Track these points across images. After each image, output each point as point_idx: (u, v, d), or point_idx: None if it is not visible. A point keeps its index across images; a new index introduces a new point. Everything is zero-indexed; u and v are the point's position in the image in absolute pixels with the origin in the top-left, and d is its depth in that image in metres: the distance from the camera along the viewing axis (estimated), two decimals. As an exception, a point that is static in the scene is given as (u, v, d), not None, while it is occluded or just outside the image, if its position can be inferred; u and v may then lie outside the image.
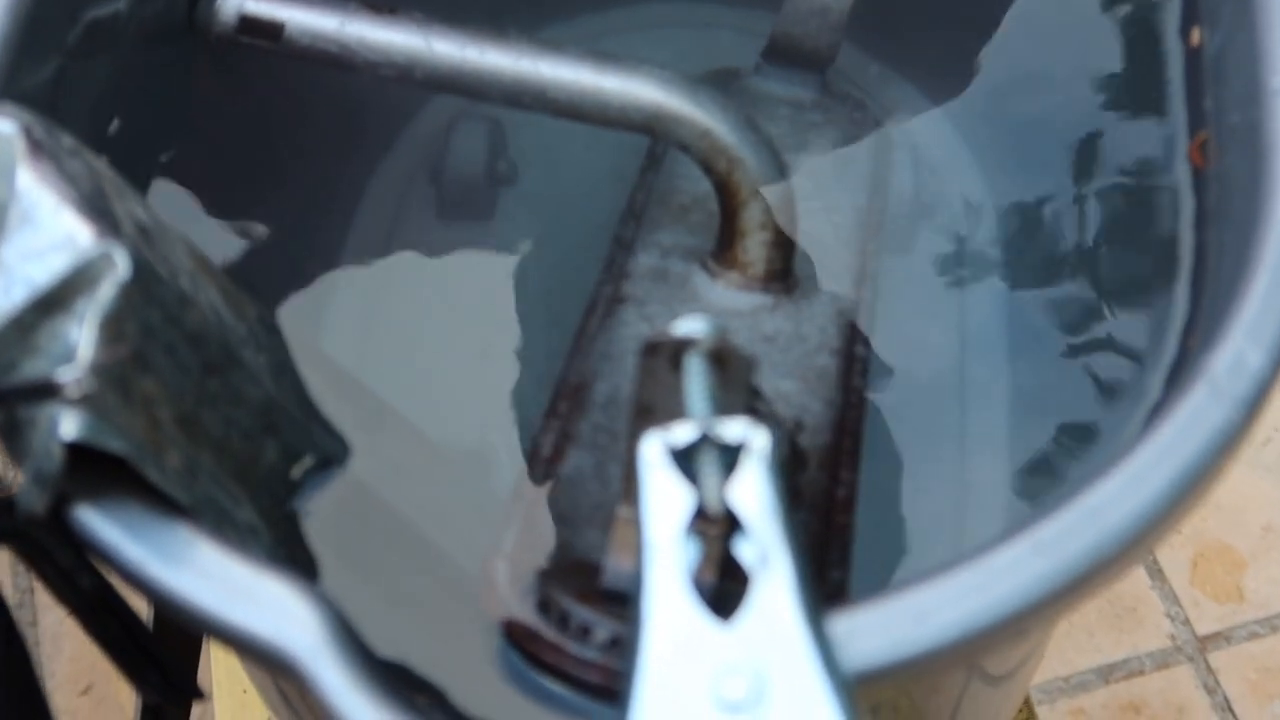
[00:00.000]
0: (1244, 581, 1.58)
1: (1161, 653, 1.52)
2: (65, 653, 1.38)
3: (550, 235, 0.81)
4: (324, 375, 0.70)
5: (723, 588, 0.60)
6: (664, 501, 0.51)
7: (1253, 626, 1.55)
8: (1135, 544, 0.54)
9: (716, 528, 0.52)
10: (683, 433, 0.51)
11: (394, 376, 0.74)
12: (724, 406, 0.54)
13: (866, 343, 0.75)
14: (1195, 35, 0.70)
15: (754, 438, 0.51)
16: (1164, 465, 0.55)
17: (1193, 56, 0.70)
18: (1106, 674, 1.50)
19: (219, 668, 0.95)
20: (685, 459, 0.52)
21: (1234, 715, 1.46)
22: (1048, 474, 0.73)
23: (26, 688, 0.60)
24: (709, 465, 0.51)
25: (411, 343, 0.76)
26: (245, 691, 0.93)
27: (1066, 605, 0.54)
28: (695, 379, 0.54)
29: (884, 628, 0.53)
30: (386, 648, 0.61)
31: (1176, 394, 0.58)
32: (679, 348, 0.56)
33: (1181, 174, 0.68)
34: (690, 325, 0.56)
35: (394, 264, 0.80)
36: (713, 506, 0.50)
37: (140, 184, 0.75)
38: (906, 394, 0.75)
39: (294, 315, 0.72)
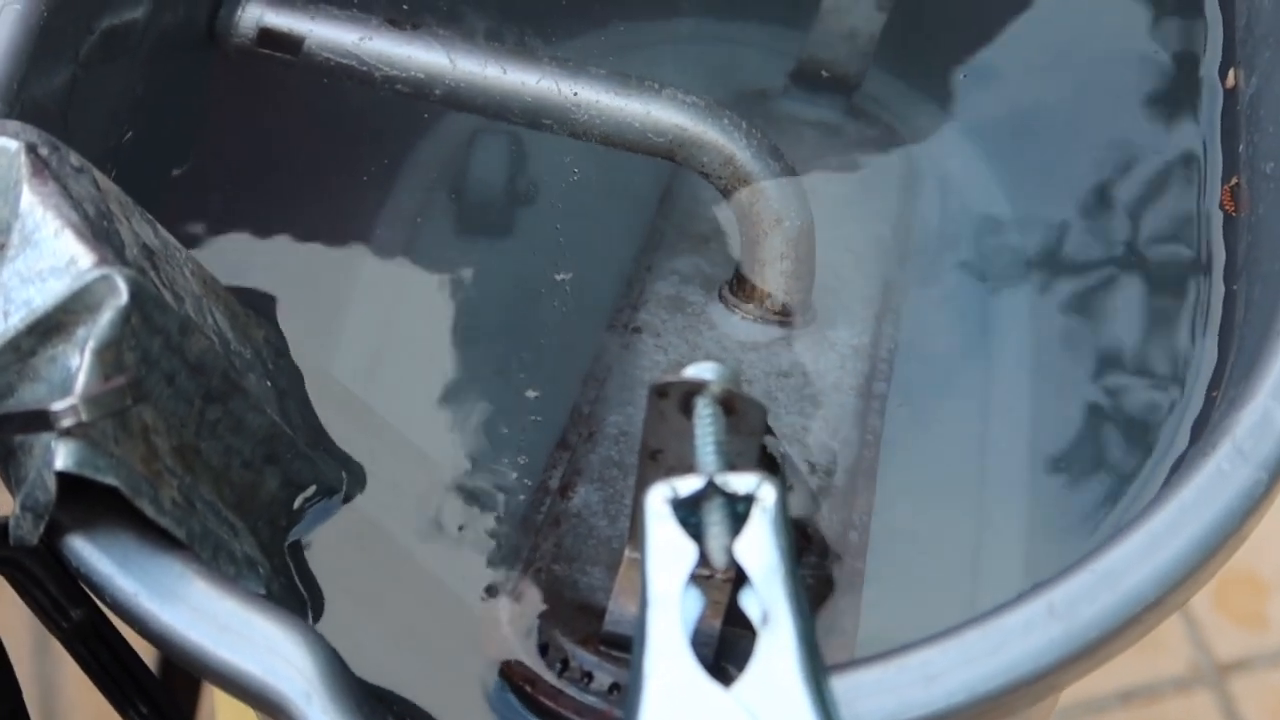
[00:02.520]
0: (1268, 609, 1.56)
1: (1182, 678, 1.50)
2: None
3: (567, 256, 0.80)
4: (331, 399, 0.69)
5: (726, 632, 0.59)
6: (668, 554, 0.49)
7: (1276, 655, 1.53)
8: (1153, 609, 0.53)
9: (723, 576, 0.51)
10: (689, 484, 0.50)
11: (404, 398, 0.73)
12: (733, 454, 0.53)
13: (886, 380, 0.74)
14: (1232, 77, 0.69)
15: (762, 492, 0.50)
16: (1183, 528, 0.54)
17: (1229, 99, 0.68)
18: (1126, 698, 1.49)
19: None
20: (691, 509, 0.50)
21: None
22: (1068, 520, 0.71)
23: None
24: (715, 518, 0.50)
25: (424, 363, 0.75)
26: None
27: (1081, 670, 0.52)
28: (704, 425, 0.53)
29: (891, 689, 0.52)
30: (381, 682, 0.60)
31: (1198, 453, 0.56)
32: (689, 391, 0.54)
33: (1213, 220, 0.66)
34: (701, 369, 0.54)
35: (409, 282, 0.78)
36: (717, 562, 0.49)
37: (152, 197, 0.73)
38: (924, 432, 0.74)
39: (305, 334, 0.71)
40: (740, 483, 0.50)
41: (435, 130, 0.84)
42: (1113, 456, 0.70)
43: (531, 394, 0.72)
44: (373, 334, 0.76)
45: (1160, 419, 0.67)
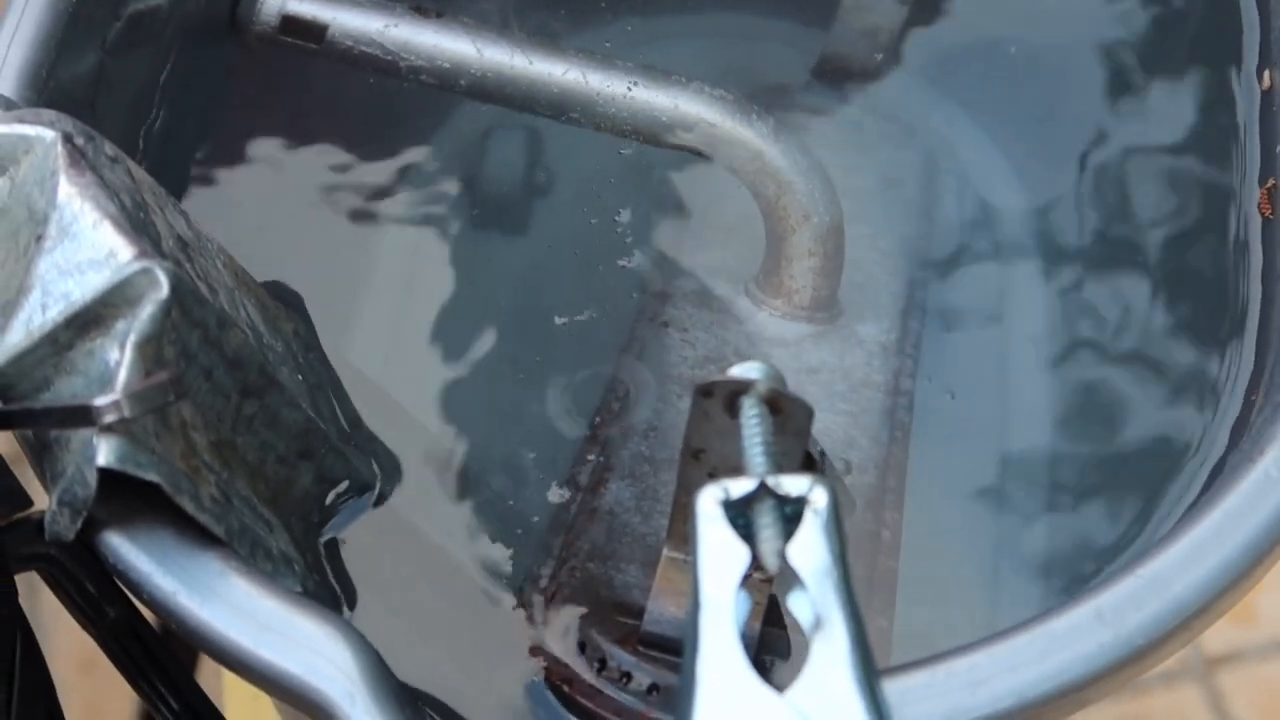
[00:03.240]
0: (1256, 602, 1.56)
1: (1169, 671, 1.50)
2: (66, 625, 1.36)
3: (585, 248, 0.79)
4: (358, 393, 0.68)
5: (765, 633, 0.59)
6: (720, 557, 0.49)
7: (1265, 649, 1.53)
8: (1200, 615, 0.53)
9: (762, 576, 0.50)
10: (740, 486, 0.50)
11: (424, 390, 0.72)
12: (780, 454, 0.52)
13: (912, 376, 0.73)
14: (1268, 78, 0.68)
15: (815, 494, 0.49)
16: (1231, 534, 0.53)
17: (1266, 99, 0.68)
18: (1113, 691, 1.49)
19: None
20: (741, 510, 0.50)
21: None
22: (1089, 517, 0.71)
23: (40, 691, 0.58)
24: (766, 520, 0.49)
25: (442, 355, 0.74)
26: (255, 698, 0.91)
27: (1128, 676, 0.52)
28: (751, 426, 0.52)
29: (939, 694, 0.51)
30: (415, 682, 0.60)
31: (1243, 458, 0.56)
32: (734, 390, 0.54)
33: (1251, 223, 0.66)
34: (746, 369, 0.54)
35: (425, 273, 0.78)
36: (770, 565, 0.48)
37: (176, 185, 0.73)
38: (948, 427, 0.73)
39: (322, 326, 0.70)
40: (792, 485, 0.49)
41: (452, 121, 0.83)
42: (1141, 458, 0.70)
43: (554, 388, 0.72)
44: (391, 326, 0.75)
45: (1194, 422, 0.66)
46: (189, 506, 0.52)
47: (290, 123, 0.79)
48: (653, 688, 0.57)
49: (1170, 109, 0.78)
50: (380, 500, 0.64)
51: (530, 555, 0.64)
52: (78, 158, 0.56)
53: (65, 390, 0.53)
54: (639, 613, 0.59)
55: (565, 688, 0.58)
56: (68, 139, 0.56)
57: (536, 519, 0.65)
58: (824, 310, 0.74)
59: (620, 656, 0.58)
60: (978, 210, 0.83)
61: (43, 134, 0.56)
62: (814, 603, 0.48)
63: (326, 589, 0.61)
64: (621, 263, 0.77)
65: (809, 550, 0.49)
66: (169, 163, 0.72)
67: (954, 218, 0.82)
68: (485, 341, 0.75)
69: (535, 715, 0.58)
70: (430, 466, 0.67)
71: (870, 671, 0.47)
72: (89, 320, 0.53)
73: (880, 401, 0.71)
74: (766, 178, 0.73)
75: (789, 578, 0.49)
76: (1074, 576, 0.68)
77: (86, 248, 0.54)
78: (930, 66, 0.87)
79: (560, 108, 0.74)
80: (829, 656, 0.47)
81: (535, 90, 0.74)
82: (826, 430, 0.69)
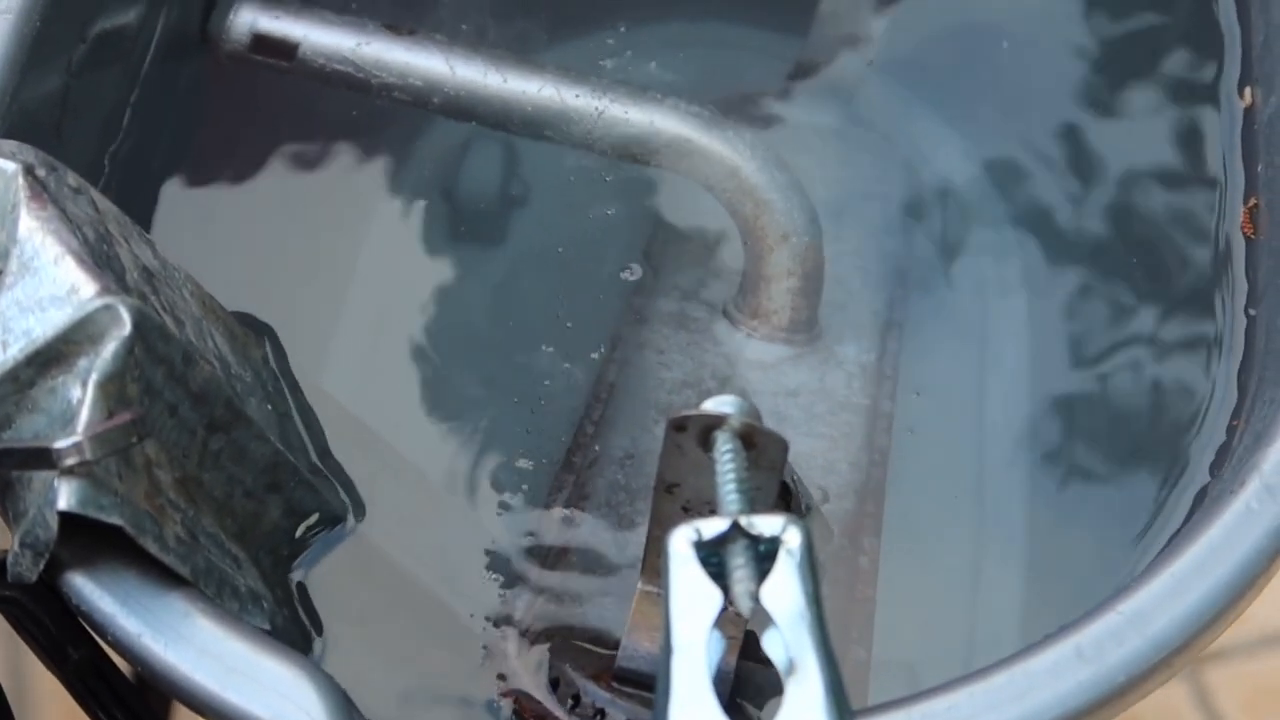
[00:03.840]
0: (1245, 598, 1.55)
1: (1155, 669, 1.49)
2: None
3: (563, 261, 0.78)
4: (327, 419, 0.67)
5: (743, 667, 0.58)
6: (692, 600, 0.48)
7: (1253, 645, 1.52)
8: (1182, 650, 0.52)
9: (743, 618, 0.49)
10: (713, 526, 0.49)
11: (397, 415, 0.71)
12: (754, 490, 0.52)
13: (891, 398, 0.72)
14: (1249, 95, 0.67)
15: (788, 535, 0.48)
16: (1212, 569, 0.53)
17: (1248, 117, 0.67)
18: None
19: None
20: (714, 550, 0.49)
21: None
22: (1069, 541, 0.70)
23: None
24: (739, 562, 0.48)
25: (417, 378, 0.73)
26: None
27: (1109, 714, 0.51)
28: (725, 463, 0.52)
29: (917, 736, 0.50)
30: (387, 716, 0.59)
31: (1225, 489, 0.55)
32: (708, 425, 0.53)
33: (1233, 245, 0.65)
34: (720, 403, 0.53)
35: (401, 292, 0.77)
36: (742, 608, 0.47)
37: (144, 207, 0.72)
38: (924, 450, 0.72)
39: (295, 351, 0.69)
40: (765, 525, 0.49)
41: (428, 135, 0.82)
42: (1120, 482, 0.69)
43: (529, 408, 0.71)
44: (365, 350, 0.74)
45: (1174, 446, 0.66)
46: (153, 548, 0.51)
47: (262, 141, 0.78)
48: (627, 724, 0.57)
49: (1151, 124, 0.77)
50: (351, 531, 0.63)
51: (504, 586, 0.63)
52: (39, 190, 0.55)
53: (27, 428, 0.52)
54: (613, 647, 0.59)
55: (537, 724, 0.58)
56: (29, 170, 0.55)
57: (511, 549, 0.64)
58: (803, 331, 0.73)
59: (594, 693, 0.57)
60: (957, 220, 0.82)
61: (4, 166, 0.55)
62: (787, 645, 0.47)
63: (296, 623, 0.60)
64: (598, 279, 0.76)
65: (782, 592, 0.48)
66: (137, 185, 0.71)
67: (935, 229, 0.81)
68: (461, 363, 0.74)
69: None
70: (402, 495, 0.66)
71: (845, 717, 0.47)
72: (51, 358, 0.52)
73: (860, 424, 0.70)
74: (744, 196, 0.72)
75: (763, 617, 0.48)
76: (1055, 601, 0.68)
77: (48, 284, 0.53)
78: (906, 73, 0.86)
79: (535, 126, 0.73)
80: (802, 703, 0.47)
81: (510, 109, 0.73)
82: (806, 456, 0.68)
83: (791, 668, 0.47)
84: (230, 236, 0.75)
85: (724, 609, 0.48)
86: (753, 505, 0.50)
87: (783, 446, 0.53)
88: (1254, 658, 1.51)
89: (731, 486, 0.51)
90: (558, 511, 0.65)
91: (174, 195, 0.75)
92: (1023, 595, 0.68)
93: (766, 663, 0.59)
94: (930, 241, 0.81)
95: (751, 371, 0.71)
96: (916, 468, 0.71)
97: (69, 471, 0.50)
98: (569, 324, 0.74)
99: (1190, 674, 1.49)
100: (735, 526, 0.49)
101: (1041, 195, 0.80)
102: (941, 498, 0.71)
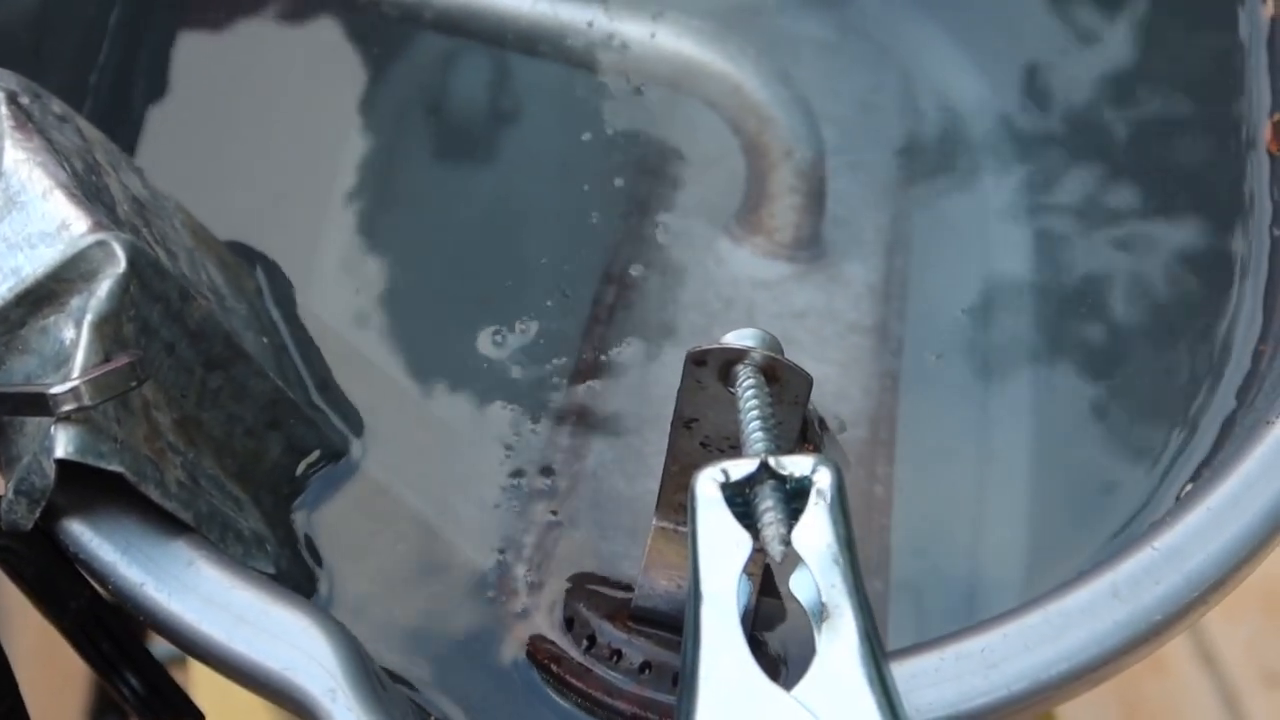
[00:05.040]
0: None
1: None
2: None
3: (557, 179, 0.76)
4: (323, 347, 0.65)
5: (760, 603, 0.57)
6: (720, 547, 0.46)
7: (1250, 590, 1.52)
8: (1219, 587, 0.51)
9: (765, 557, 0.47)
10: (740, 467, 0.47)
11: (394, 343, 0.69)
12: (778, 426, 0.50)
13: (901, 319, 0.70)
14: (1271, 4, 0.65)
15: (819, 476, 0.46)
16: (1249, 503, 0.51)
17: (1274, 27, 0.65)
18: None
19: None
20: (740, 492, 0.47)
21: (1202, 635, 1.44)
22: (1075, 468, 0.68)
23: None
24: (769, 504, 0.46)
25: (412, 302, 0.71)
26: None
27: (1145, 653, 0.50)
28: (748, 399, 0.50)
29: (951, 677, 0.49)
30: (394, 661, 0.57)
31: (1258, 419, 0.53)
32: (729, 360, 0.51)
33: (1258, 163, 0.63)
34: (741, 335, 0.51)
35: (391, 213, 0.74)
36: (774, 553, 0.46)
37: (128, 132, 0.69)
38: (929, 369, 0.70)
39: (286, 279, 0.67)
40: (794, 465, 0.47)
41: (411, 50, 0.80)
42: (1132, 405, 0.67)
43: (527, 331, 0.69)
44: (357, 275, 0.72)
45: (1195, 373, 0.64)
46: (155, 494, 0.49)
47: (246, 59, 0.76)
48: (645, 665, 0.55)
49: (1169, 36, 0.75)
50: (352, 467, 0.61)
51: (512, 521, 0.61)
52: (24, 119, 0.52)
53: (18, 370, 0.50)
54: (627, 584, 0.57)
55: (552, 666, 0.56)
56: (12, 98, 0.53)
57: (518, 482, 0.62)
58: (807, 249, 0.71)
59: (610, 633, 0.55)
60: (955, 134, 0.79)
61: (-15, 94, 0.52)
62: (820, 590, 0.46)
63: (299, 564, 0.58)
64: (594, 198, 0.74)
65: (815, 536, 0.46)
66: (119, 109, 0.68)
67: (933, 142, 0.79)
68: (457, 284, 0.71)
69: (521, 695, 0.56)
70: (403, 427, 0.64)
71: (881, 664, 0.45)
72: (42, 297, 0.50)
73: (870, 347, 0.68)
74: (747, 112, 0.70)
75: (792, 558, 0.47)
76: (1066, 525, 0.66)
77: (37, 219, 0.50)
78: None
79: (530, 43, 0.71)
80: (837, 650, 0.45)
81: (503, 23, 0.71)
82: (819, 383, 0.65)
83: (825, 613, 0.45)
84: (214, 163, 0.73)
85: (752, 554, 0.47)
86: (779, 444, 0.48)
87: (807, 381, 0.51)
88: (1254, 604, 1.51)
89: (756, 424, 0.49)
90: (564, 443, 0.63)
91: (157, 118, 0.72)
92: (1028, 520, 0.67)
93: (777, 596, 0.58)
94: (931, 155, 0.79)
95: (757, 291, 0.69)
96: (923, 391, 0.69)
97: (66, 418, 0.47)
98: (565, 243, 0.72)
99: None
100: (763, 466, 0.47)
101: (1046, 107, 0.78)
102: (948, 422, 0.69)
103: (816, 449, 0.55)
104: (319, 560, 0.59)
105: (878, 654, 0.45)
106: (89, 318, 0.49)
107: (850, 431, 0.65)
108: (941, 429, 0.68)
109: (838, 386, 0.66)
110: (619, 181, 0.74)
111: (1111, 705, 1.48)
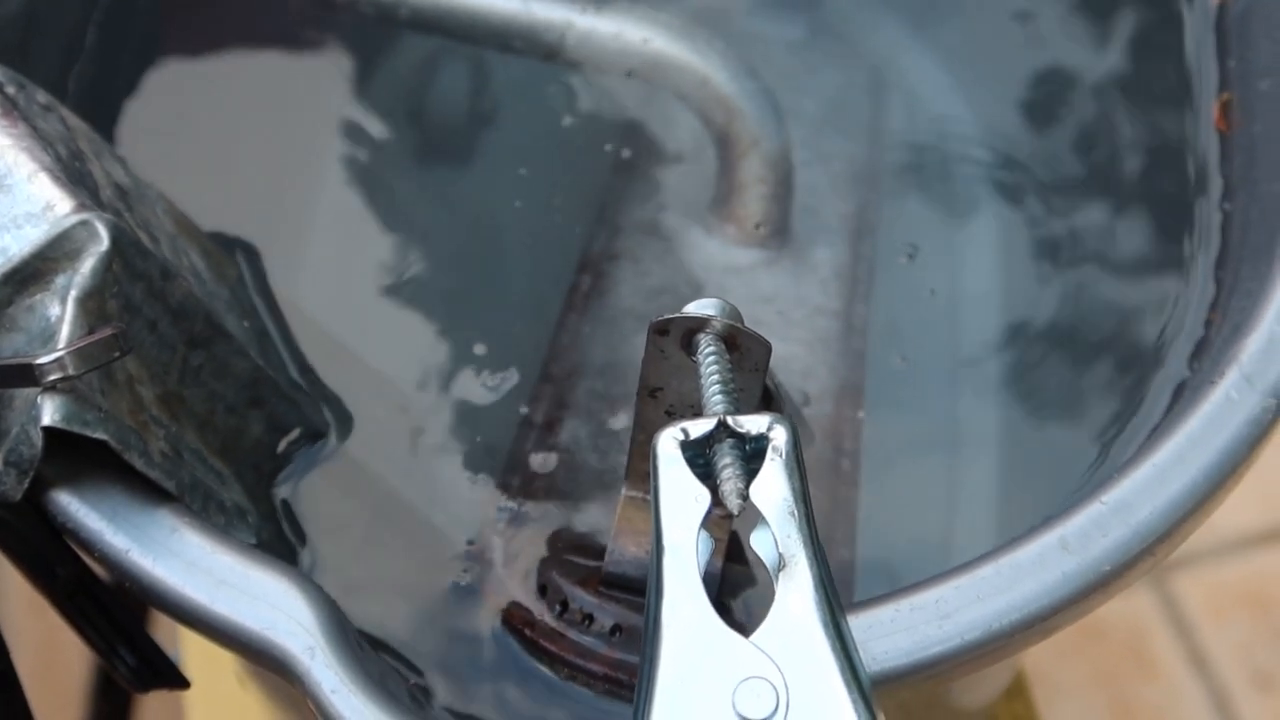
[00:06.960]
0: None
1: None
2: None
3: (534, 179, 0.78)
4: (304, 335, 0.67)
5: (728, 569, 0.59)
6: (680, 500, 0.48)
7: (1218, 550, 1.53)
8: (1166, 539, 0.52)
9: (722, 513, 0.49)
10: (699, 426, 0.49)
11: (374, 331, 0.71)
12: (738, 391, 0.52)
13: (865, 301, 0.72)
14: (1218, -10, 0.67)
15: (775, 433, 0.48)
16: (1194, 458, 0.53)
17: (1221, 11, 0.67)
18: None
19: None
20: (701, 451, 0.49)
21: (1193, 638, 1.45)
22: (1049, 428, 0.70)
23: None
24: (727, 460, 0.48)
25: (392, 294, 0.73)
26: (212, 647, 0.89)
27: (1094, 604, 0.52)
28: (709, 364, 0.52)
29: (905, 627, 0.51)
30: (375, 630, 0.59)
31: (1204, 380, 0.55)
32: (691, 328, 0.53)
33: (1206, 139, 0.65)
34: (703, 305, 0.53)
35: (373, 209, 0.76)
36: (731, 506, 0.48)
37: (110, 129, 0.71)
38: (898, 352, 0.72)
39: (268, 269, 0.69)
40: (752, 423, 0.49)
41: (393, 50, 0.82)
42: (1094, 378, 0.69)
43: (504, 319, 0.71)
44: (339, 267, 0.74)
45: (1154, 340, 0.66)
46: (138, 463, 0.51)
47: (228, 59, 0.78)
48: (615, 629, 0.57)
49: (1122, 24, 0.77)
50: (332, 447, 0.63)
51: (488, 495, 0.63)
52: (9, 108, 0.54)
53: (7, 347, 0.52)
54: (599, 553, 0.59)
55: (526, 631, 0.58)
56: (-2, 88, 0.55)
57: (492, 459, 0.64)
58: (776, 236, 0.73)
59: (582, 598, 0.57)
60: (924, 128, 0.82)
61: (-29, 84, 0.54)
62: (777, 542, 0.48)
63: (281, 539, 0.60)
64: (570, 191, 0.76)
65: (771, 490, 0.48)
66: (102, 105, 0.70)
67: (901, 137, 0.81)
68: (435, 277, 0.73)
69: (497, 659, 0.58)
70: (382, 409, 0.66)
71: (836, 610, 0.47)
72: (28, 275, 0.52)
73: (836, 329, 0.70)
74: (715, 104, 0.71)
75: (752, 516, 0.49)
76: (1030, 497, 0.68)
77: (22, 201, 0.52)
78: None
79: (503, 39, 0.72)
80: (793, 597, 0.47)
81: (475, 20, 0.72)
82: (784, 361, 0.68)
83: (781, 563, 0.47)
84: (195, 159, 0.75)
85: (711, 509, 0.48)
86: (738, 406, 0.50)
87: (766, 348, 0.53)
88: (1220, 563, 1.52)
89: (716, 388, 0.51)
90: (537, 420, 0.65)
91: (138, 116, 0.74)
92: (998, 495, 0.68)
93: (745, 563, 0.60)
94: (899, 149, 0.81)
95: (727, 277, 0.72)
96: (890, 369, 0.71)
97: (52, 388, 0.49)
98: (542, 235, 0.74)
99: (1156, 581, 1.50)
100: (721, 425, 0.49)
101: (1010, 101, 0.80)
102: (915, 399, 0.71)
103: (778, 416, 0.57)
104: (300, 534, 0.60)
105: (832, 600, 0.47)
106: (73, 293, 0.51)
107: (816, 407, 0.67)
108: (909, 406, 0.70)
109: (804, 365, 0.68)
110: (595, 172, 0.76)
111: (1101, 708, 1.49)
